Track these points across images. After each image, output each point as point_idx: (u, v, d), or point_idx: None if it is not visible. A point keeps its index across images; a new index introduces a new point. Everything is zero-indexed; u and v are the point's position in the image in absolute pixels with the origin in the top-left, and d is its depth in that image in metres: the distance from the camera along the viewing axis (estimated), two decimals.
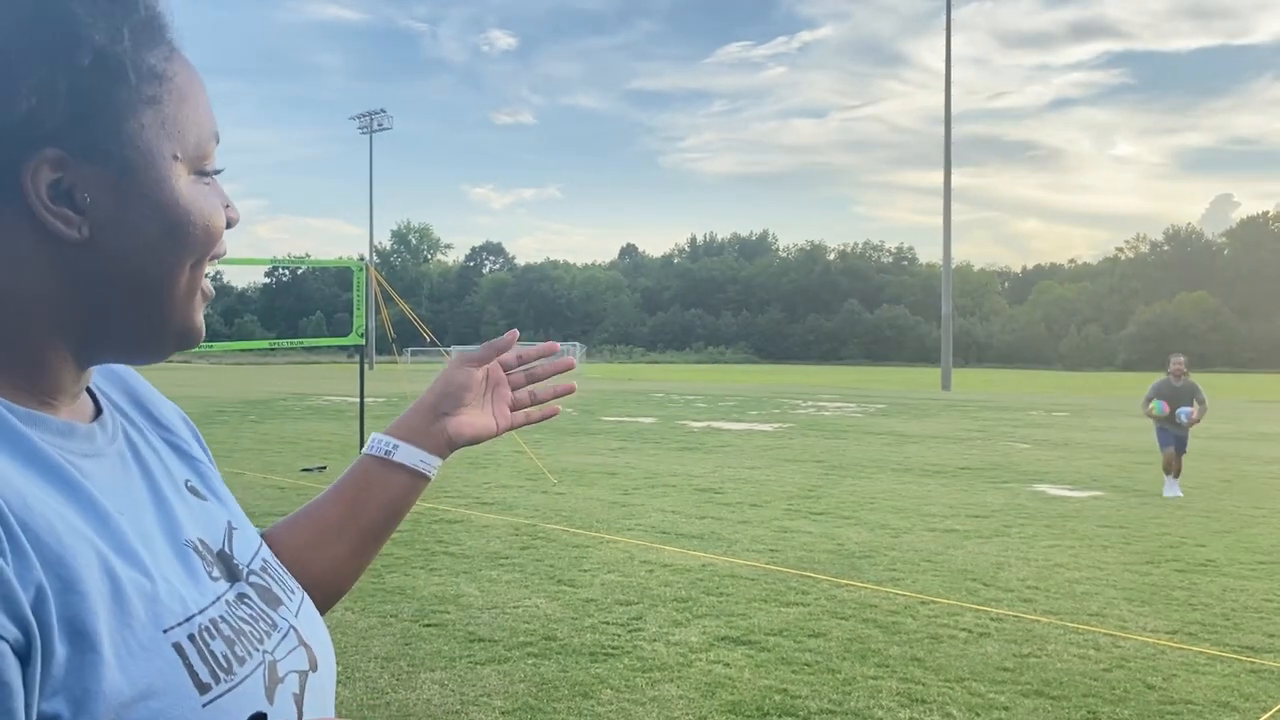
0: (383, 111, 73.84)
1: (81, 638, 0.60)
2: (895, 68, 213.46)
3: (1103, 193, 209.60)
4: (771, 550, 8.12)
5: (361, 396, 12.63)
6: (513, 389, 1.14)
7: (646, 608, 6.28)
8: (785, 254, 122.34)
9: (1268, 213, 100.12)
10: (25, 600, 0.57)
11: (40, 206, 0.66)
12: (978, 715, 4.55)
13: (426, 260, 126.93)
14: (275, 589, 0.83)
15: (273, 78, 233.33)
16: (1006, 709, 4.63)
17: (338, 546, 1.01)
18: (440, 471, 1.08)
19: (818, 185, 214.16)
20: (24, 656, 0.57)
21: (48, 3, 0.65)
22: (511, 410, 1.13)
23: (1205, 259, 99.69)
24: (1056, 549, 8.35)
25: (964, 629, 5.92)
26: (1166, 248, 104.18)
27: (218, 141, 0.77)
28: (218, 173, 0.77)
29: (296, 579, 0.92)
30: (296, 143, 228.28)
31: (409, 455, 1.05)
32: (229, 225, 0.78)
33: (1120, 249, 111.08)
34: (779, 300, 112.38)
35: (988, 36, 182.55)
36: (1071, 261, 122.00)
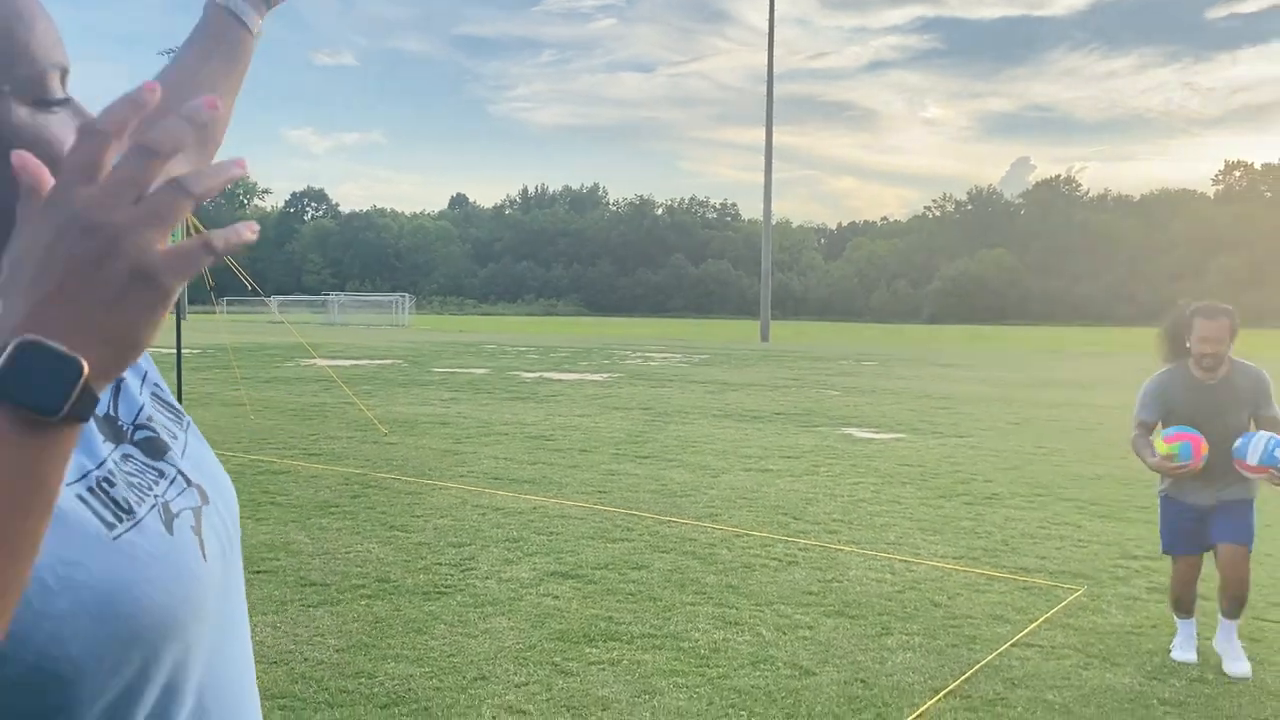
0: None
1: None
2: (720, 25, 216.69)
3: (913, 153, 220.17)
4: (600, 492, 8.44)
5: (178, 347, 12.16)
6: None
7: (478, 549, 6.47)
8: (615, 207, 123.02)
9: (1059, 176, 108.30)
10: None
11: None
12: (785, 634, 4.98)
13: (243, 205, 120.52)
14: (161, 436, 0.89)
15: (78, 7, 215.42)
16: (811, 628, 5.08)
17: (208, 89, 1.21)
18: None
19: (646, 139, 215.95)
20: None
21: None
22: None
23: (1004, 219, 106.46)
24: (860, 486, 9.02)
25: (774, 558, 6.39)
26: (970, 207, 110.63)
27: (65, 70, 0.77)
28: (64, 101, 0.77)
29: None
30: (103, 76, 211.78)
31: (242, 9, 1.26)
32: None
33: (928, 208, 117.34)
34: (609, 254, 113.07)
35: None
36: (884, 219, 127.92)
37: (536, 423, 13.07)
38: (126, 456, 0.84)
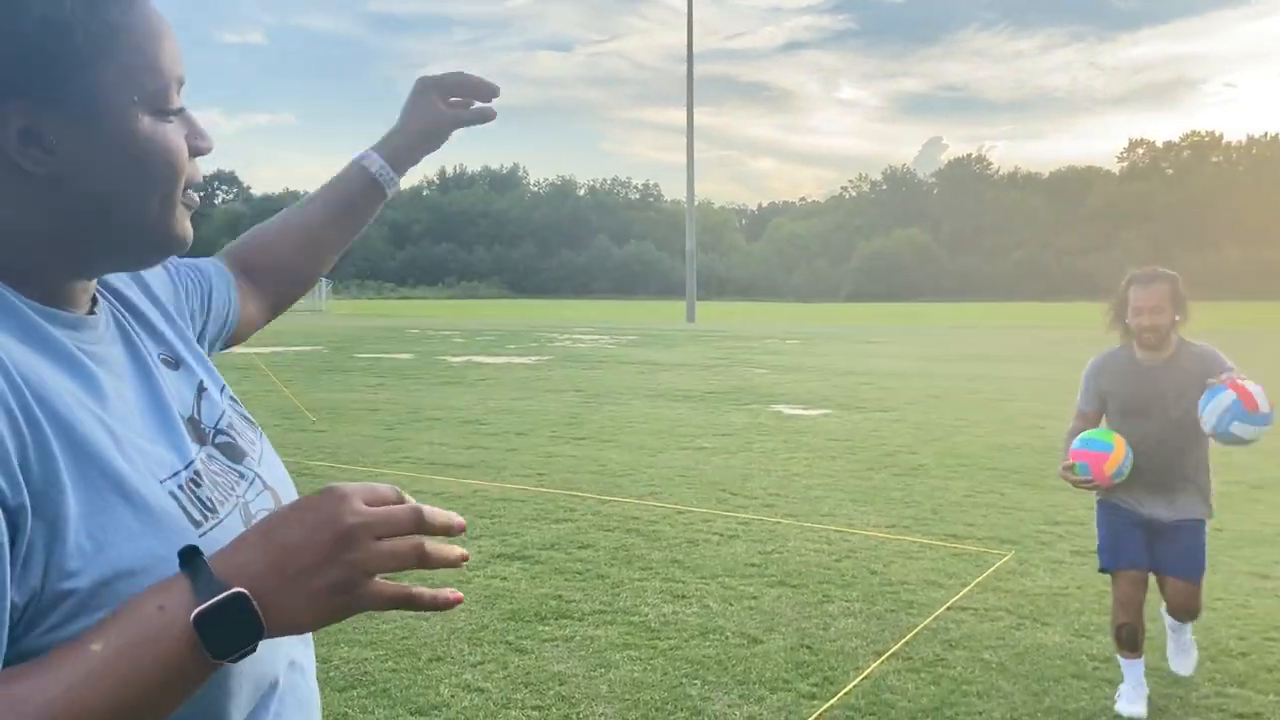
0: None
1: (105, 477, 0.76)
2: (636, 3, 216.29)
3: (829, 134, 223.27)
4: (539, 474, 8.49)
5: None
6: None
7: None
8: (536, 188, 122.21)
9: (970, 155, 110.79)
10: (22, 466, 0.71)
11: (10, 147, 0.77)
12: (731, 605, 5.11)
13: None
14: (240, 443, 0.98)
15: None
16: (755, 598, 5.23)
17: (325, 250, 1.35)
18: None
19: (566, 120, 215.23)
20: (14, 515, 0.70)
21: None
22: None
23: (917, 197, 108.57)
24: (793, 460, 9.22)
25: (716, 533, 6.53)
26: (884, 187, 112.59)
27: (182, 84, 0.86)
28: (179, 111, 0.86)
29: (285, 272, 1.26)
30: None
31: (391, 181, 1.36)
32: (198, 154, 0.88)
33: (845, 188, 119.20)
34: (531, 235, 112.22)
35: None
36: (802, 200, 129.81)
37: (468, 407, 13.03)
38: (211, 458, 0.91)
